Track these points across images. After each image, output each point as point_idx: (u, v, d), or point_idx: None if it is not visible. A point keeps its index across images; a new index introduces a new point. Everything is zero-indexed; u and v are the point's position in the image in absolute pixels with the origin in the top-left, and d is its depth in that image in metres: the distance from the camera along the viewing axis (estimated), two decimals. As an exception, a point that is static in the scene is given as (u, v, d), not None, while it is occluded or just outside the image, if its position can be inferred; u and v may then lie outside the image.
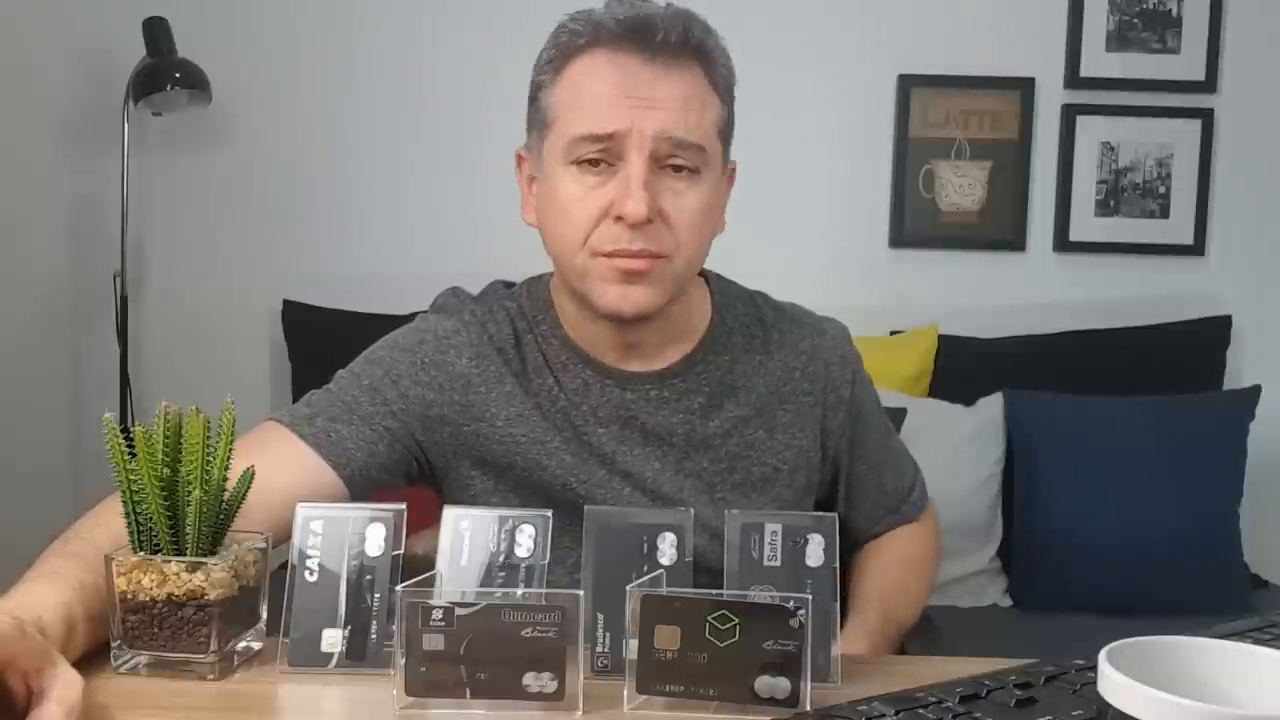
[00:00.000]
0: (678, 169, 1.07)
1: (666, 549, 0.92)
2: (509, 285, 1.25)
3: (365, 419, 1.13)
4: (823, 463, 1.25)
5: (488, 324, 1.19)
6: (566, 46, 1.09)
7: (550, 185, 1.11)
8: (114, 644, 0.87)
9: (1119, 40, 2.71)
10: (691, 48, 1.07)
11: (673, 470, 1.17)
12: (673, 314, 1.16)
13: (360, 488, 1.12)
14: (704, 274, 1.24)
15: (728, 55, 1.12)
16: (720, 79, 1.10)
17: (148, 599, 0.86)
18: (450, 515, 0.92)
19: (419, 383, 1.16)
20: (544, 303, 1.20)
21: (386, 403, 1.15)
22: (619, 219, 1.06)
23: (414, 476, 1.20)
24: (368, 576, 0.90)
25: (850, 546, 1.30)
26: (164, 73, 2.47)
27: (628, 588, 0.82)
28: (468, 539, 0.91)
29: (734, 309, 1.23)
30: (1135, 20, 2.71)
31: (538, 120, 1.12)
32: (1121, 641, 0.64)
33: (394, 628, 0.82)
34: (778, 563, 0.91)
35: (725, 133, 1.12)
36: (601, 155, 1.07)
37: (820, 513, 0.95)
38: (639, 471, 1.17)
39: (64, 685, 0.74)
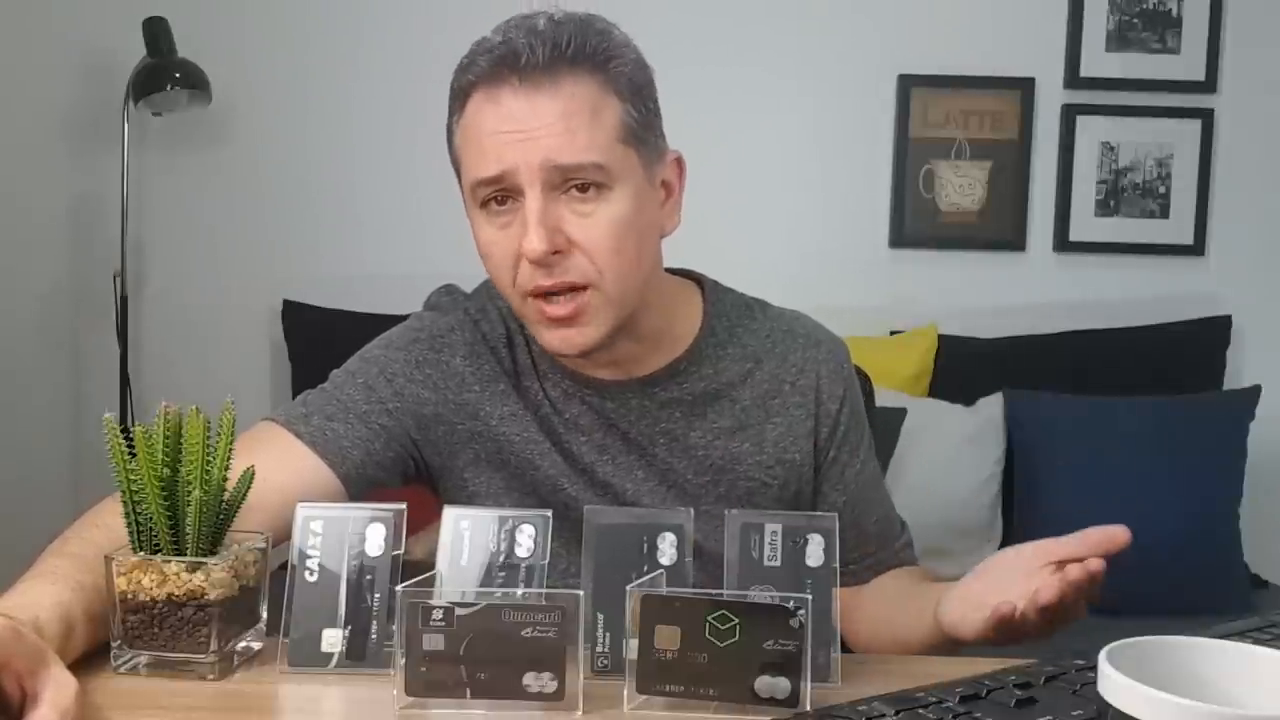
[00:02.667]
0: (583, 188, 1.02)
1: (666, 549, 0.92)
2: None
3: (361, 417, 1.13)
4: (816, 477, 1.20)
5: (481, 322, 1.19)
6: (458, 90, 1.06)
7: (474, 229, 1.09)
8: (114, 644, 0.87)
9: (1119, 40, 2.71)
10: (568, 59, 1.01)
11: (655, 481, 1.16)
12: (651, 324, 1.14)
13: (357, 486, 1.11)
14: (700, 281, 1.22)
15: (627, 48, 1.05)
16: (619, 77, 1.03)
17: (148, 599, 0.86)
18: (450, 515, 0.92)
19: (414, 380, 1.16)
20: None
21: (381, 401, 1.14)
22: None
23: (411, 475, 1.19)
24: (368, 576, 0.90)
25: None
26: (164, 73, 2.47)
27: (628, 588, 0.82)
28: (468, 539, 0.91)
29: (725, 318, 1.20)
30: (1135, 20, 2.71)
31: (454, 166, 1.11)
32: (1121, 641, 0.64)
33: (394, 628, 0.82)
34: (778, 563, 0.91)
35: (636, 134, 1.04)
36: (502, 193, 1.04)
37: (820, 513, 0.94)
38: (619, 483, 1.15)
39: (58, 688, 0.73)
